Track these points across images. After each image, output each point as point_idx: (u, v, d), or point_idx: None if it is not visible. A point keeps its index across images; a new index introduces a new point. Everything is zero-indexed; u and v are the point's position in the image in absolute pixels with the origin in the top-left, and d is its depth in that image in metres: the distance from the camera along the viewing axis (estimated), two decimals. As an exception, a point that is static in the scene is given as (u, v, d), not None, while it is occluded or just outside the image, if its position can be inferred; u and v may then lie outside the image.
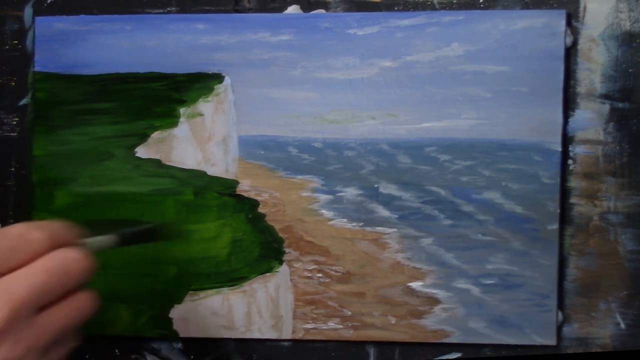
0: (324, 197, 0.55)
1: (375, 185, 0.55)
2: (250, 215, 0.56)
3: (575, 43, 0.54)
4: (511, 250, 0.54)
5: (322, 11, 0.56)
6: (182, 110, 0.56)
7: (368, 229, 0.55)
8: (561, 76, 0.53)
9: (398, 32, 0.54)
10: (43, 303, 0.41)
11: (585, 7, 0.54)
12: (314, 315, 0.55)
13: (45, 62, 0.57)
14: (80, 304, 0.43)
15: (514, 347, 0.54)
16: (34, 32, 0.57)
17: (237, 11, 0.57)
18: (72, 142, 0.57)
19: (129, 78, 0.56)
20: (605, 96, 0.54)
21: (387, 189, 0.55)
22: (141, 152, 0.56)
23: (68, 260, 0.42)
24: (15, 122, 0.58)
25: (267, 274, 0.56)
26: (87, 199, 0.56)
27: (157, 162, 0.56)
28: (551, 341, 0.54)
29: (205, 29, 0.56)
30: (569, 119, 0.54)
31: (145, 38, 0.56)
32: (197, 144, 0.56)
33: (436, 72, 0.54)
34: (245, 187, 0.56)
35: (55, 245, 0.42)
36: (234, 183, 0.56)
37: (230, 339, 0.56)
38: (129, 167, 0.56)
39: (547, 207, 0.53)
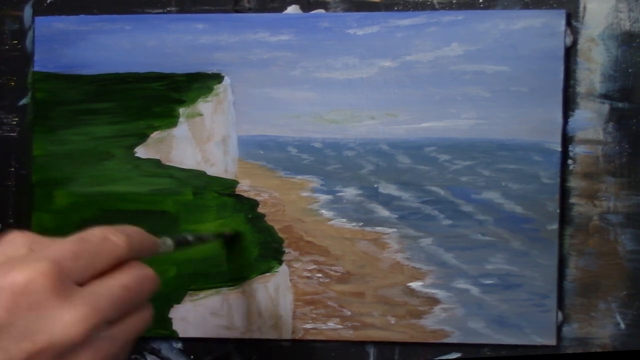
0: (323, 197, 0.55)
1: (375, 185, 0.55)
2: (249, 215, 0.56)
3: (575, 43, 0.54)
4: (511, 250, 0.54)
5: (322, 11, 0.56)
6: (181, 110, 0.56)
7: (368, 229, 0.55)
8: (561, 76, 0.53)
9: (398, 32, 0.54)
10: (117, 318, 0.40)
11: (585, 7, 0.54)
12: (314, 315, 0.55)
13: (44, 62, 0.57)
14: (143, 318, 0.43)
15: (514, 347, 0.54)
16: (33, 32, 0.57)
17: (236, 11, 0.56)
18: (72, 142, 0.57)
19: (129, 78, 0.56)
20: (605, 96, 0.54)
21: (387, 189, 0.55)
22: (140, 152, 0.56)
23: (145, 278, 0.41)
24: (15, 122, 0.58)
25: (267, 274, 0.56)
26: (87, 199, 0.56)
27: (157, 162, 0.56)
28: (551, 341, 0.54)
29: (204, 28, 0.56)
30: (569, 119, 0.54)
31: (144, 38, 0.56)
32: (196, 144, 0.56)
33: (436, 72, 0.54)
34: (244, 187, 0.56)
35: (132, 251, 0.41)
36: (233, 183, 0.56)
37: (230, 339, 0.56)
38: (128, 167, 0.56)
39: (546, 207, 0.53)
